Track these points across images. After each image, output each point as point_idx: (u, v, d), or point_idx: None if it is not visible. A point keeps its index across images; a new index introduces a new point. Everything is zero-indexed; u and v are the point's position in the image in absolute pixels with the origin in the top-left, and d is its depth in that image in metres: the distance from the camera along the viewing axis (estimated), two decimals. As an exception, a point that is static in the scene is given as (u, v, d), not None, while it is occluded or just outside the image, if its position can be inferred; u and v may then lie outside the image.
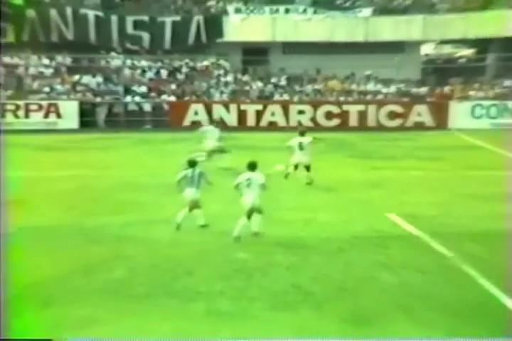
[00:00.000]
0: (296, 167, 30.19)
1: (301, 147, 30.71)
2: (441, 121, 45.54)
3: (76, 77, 47.29)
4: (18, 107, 43.73)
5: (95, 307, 17.90)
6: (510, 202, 27.07)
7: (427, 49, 50.74)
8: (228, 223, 23.04)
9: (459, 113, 45.79)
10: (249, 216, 23.05)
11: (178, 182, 24.31)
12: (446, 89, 47.68)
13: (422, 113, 46.00)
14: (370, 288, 19.28)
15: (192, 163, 24.12)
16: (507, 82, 47.54)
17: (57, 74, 47.38)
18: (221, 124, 36.40)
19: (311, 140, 31.35)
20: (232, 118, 45.00)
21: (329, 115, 45.17)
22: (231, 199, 24.50)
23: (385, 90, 47.89)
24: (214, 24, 48.41)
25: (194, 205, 23.80)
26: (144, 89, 46.66)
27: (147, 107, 45.58)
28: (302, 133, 32.35)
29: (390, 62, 46.93)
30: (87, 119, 44.49)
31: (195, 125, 42.56)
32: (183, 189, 24.06)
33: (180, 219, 23.77)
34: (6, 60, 47.58)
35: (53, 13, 47.73)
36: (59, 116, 44.14)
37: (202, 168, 24.51)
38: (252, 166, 23.06)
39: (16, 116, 43.56)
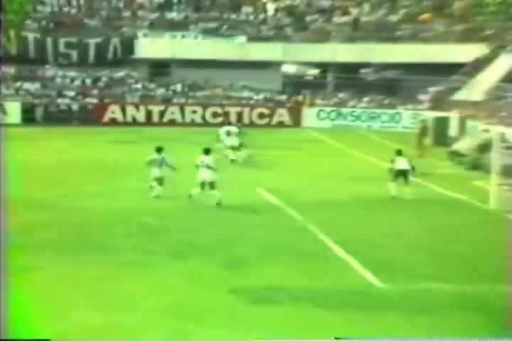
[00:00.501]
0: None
1: (228, 134, 33.97)
2: (296, 121, 47.24)
3: (18, 84, 47.65)
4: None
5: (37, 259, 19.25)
6: (340, 180, 29.65)
7: (285, 67, 51.69)
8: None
9: (309, 115, 47.58)
10: (202, 187, 25.46)
11: (148, 163, 25.82)
12: (300, 97, 49.06)
13: (283, 114, 47.56)
14: (244, 241, 21.38)
15: (158, 150, 26.19)
16: (341, 95, 49.62)
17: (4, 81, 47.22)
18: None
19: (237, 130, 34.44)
20: (141, 117, 46.38)
21: (215, 114, 46.75)
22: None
23: (255, 97, 49.12)
24: (127, 45, 49.36)
25: (160, 182, 25.82)
26: (72, 93, 47.37)
27: (75, 107, 46.35)
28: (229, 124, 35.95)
29: (259, 76, 48.44)
30: (28, 116, 45.19)
31: (113, 122, 45.58)
32: (151, 168, 25.92)
33: (156, 191, 25.82)
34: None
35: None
36: (5, 113, 44.63)
37: (166, 155, 26.00)
38: (207, 151, 25.79)
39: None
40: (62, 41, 48.85)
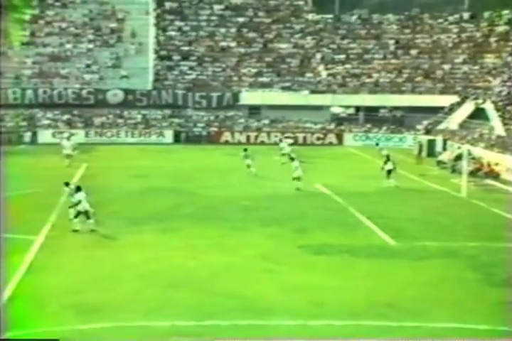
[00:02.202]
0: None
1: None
2: (340, 141, 45.76)
3: (171, 119, 46.96)
4: None
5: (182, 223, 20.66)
6: (367, 178, 29.26)
7: (333, 109, 50.59)
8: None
9: (348, 138, 45.92)
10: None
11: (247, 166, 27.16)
12: (342, 127, 47.55)
13: (331, 138, 45.85)
14: (307, 216, 21.81)
15: (245, 153, 27.21)
16: (368, 125, 47.86)
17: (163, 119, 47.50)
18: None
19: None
20: (243, 139, 45.12)
21: (288, 137, 43.88)
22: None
23: (314, 127, 47.45)
24: (235, 96, 48.39)
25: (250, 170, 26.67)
26: (202, 124, 46.69)
27: (204, 133, 45.69)
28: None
29: (316, 114, 47.86)
30: (176, 138, 44.70)
31: (226, 142, 45.40)
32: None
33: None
34: None
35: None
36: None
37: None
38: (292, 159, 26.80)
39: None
40: (197, 94, 48.71)
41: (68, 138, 34.54)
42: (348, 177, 29.93)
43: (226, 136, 46.16)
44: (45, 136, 43.77)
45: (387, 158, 28.69)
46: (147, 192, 25.70)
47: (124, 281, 14.50)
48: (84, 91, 47.15)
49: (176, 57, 51.61)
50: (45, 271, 15.19)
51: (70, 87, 47.47)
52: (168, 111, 48.16)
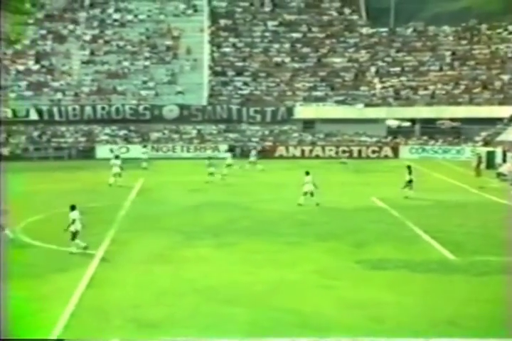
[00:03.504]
0: None
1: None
2: (395, 154, 45.57)
3: (225, 134, 48.31)
4: None
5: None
6: (422, 191, 28.17)
7: (388, 122, 50.05)
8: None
9: (404, 151, 45.93)
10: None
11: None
12: (398, 140, 47.48)
13: (387, 151, 45.88)
14: (364, 230, 21.72)
15: (307, 173, 25.47)
16: (424, 137, 47.53)
17: (218, 134, 49.56)
18: None
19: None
20: (297, 153, 45.69)
21: (344, 151, 44.99)
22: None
23: (369, 140, 47.43)
24: (289, 111, 48.59)
25: (305, 194, 25.27)
26: (256, 139, 47.05)
27: (258, 147, 44.54)
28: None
29: (371, 128, 47.63)
30: (231, 153, 45.67)
31: (280, 156, 45.51)
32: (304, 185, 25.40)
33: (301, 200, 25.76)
34: None
35: None
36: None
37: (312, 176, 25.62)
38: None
39: None
40: (251, 109, 49.04)
41: (117, 157, 33.79)
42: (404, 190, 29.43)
43: (280, 150, 46.29)
44: (103, 151, 44.80)
45: (409, 169, 28.25)
46: (203, 206, 25.88)
47: (182, 296, 14.58)
48: (140, 107, 48.13)
49: (231, 73, 52.20)
50: (105, 285, 15.42)
51: (127, 103, 48.57)
52: (222, 126, 48.66)
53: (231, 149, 45.64)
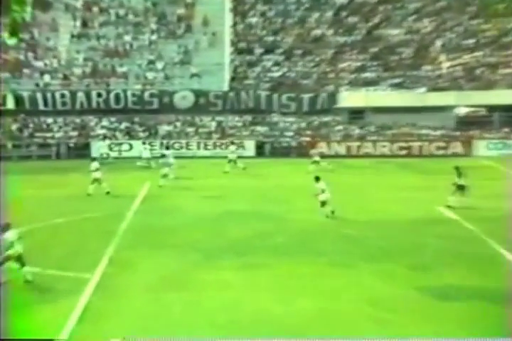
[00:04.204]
0: None
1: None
2: (467, 151, 45.74)
3: (253, 127, 48.62)
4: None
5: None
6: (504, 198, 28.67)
7: (457, 110, 49.93)
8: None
9: (479, 147, 46.00)
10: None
11: None
12: (471, 133, 47.53)
13: (456, 147, 46.07)
14: (427, 248, 21.30)
15: (317, 178, 25.82)
16: (505, 129, 47.73)
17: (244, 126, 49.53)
18: None
19: None
20: (342, 150, 45.98)
21: (401, 148, 46.08)
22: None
23: (433, 133, 47.73)
24: (331, 98, 49.02)
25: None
26: (291, 133, 47.67)
27: (293, 144, 46.69)
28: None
29: (435, 118, 47.48)
30: (259, 151, 46.03)
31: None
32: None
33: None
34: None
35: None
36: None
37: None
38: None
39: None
40: (284, 96, 49.36)
41: (94, 159, 32.96)
42: (481, 198, 28.68)
43: (321, 146, 46.17)
44: (100, 148, 45.17)
45: (458, 171, 28.10)
46: (223, 217, 25.92)
47: (197, 332, 14.56)
48: (146, 94, 48.57)
49: (258, 50, 52.45)
50: (102, 318, 15.41)
51: (129, 88, 49.02)
52: (248, 118, 49.12)
53: (260, 146, 45.93)
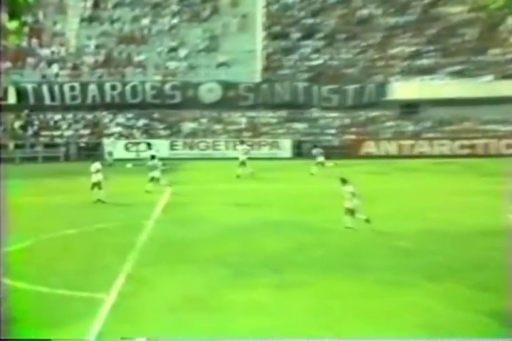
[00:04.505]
0: None
1: None
2: None
3: (289, 124, 49.52)
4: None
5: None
6: None
7: None
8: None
9: None
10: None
11: None
12: None
13: None
14: (492, 265, 20.99)
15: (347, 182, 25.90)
16: None
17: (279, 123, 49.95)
18: None
19: None
20: (393, 150, 46.68)
21: (462, 146, 46.38)
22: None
23: (503, 129, 47.77)
24: (380, 89, 49.40)
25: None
26: (333, 131, 48.23)
27: (335, 143, 46.91)
28: None
29: (506, 110, 47.12)
30: (296, 151, 46.79)
31: (367, 154, 45.51)
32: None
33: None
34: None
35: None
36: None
37: None
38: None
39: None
40: (325, 88, 49.47)
41: (95, 160, 33.06)
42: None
43: (368, 145, 46.71)
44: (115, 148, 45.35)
45: None
46: (256, 227, 25.93)
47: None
48: (167, 86, 48.85)
49: (295, 35, 52.44)
50: (118, 344, 15.50)
51: (147, 79, 49.27)
52: (284, 113, 49.51)
53: (297, 146, 45.84)
